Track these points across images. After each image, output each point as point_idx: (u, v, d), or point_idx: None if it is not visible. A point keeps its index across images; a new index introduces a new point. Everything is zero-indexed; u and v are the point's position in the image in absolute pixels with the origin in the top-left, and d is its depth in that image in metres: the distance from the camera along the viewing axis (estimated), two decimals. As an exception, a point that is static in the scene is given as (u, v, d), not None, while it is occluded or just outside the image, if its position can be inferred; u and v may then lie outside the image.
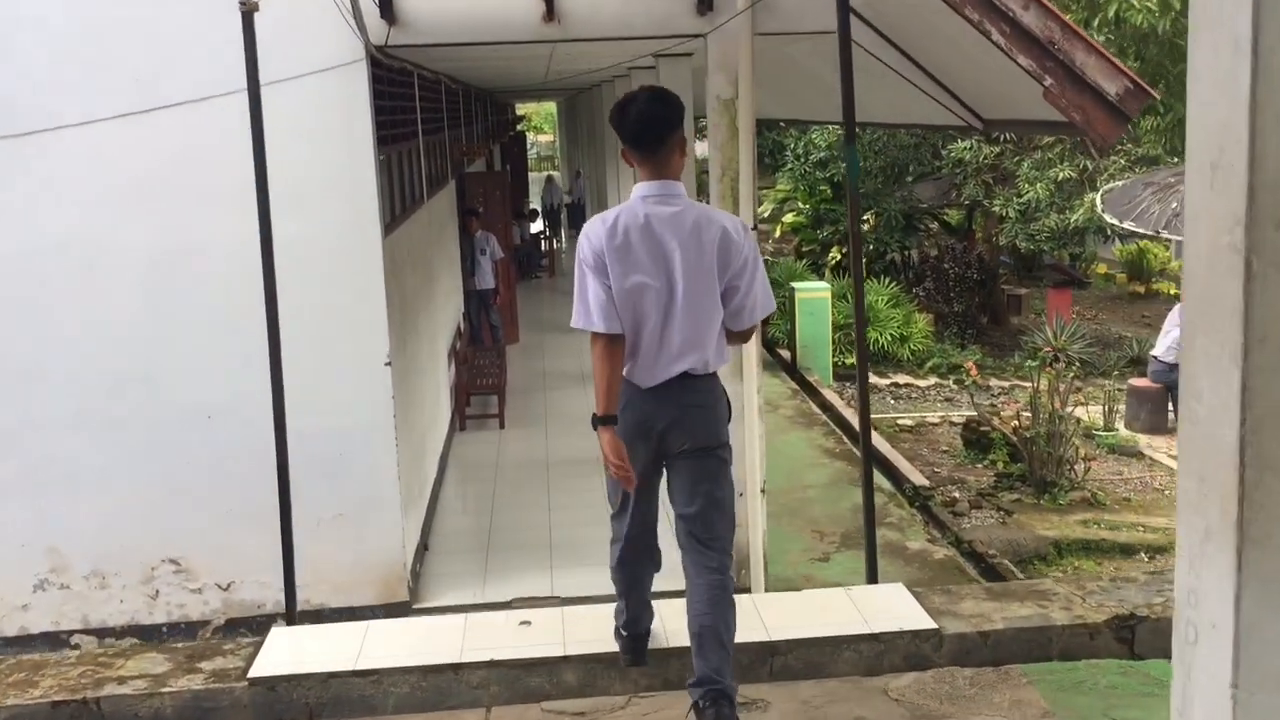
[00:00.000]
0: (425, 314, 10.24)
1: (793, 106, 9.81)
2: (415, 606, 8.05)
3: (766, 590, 8.15)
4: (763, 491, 8.14)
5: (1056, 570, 9.60)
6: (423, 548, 8.99)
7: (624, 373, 3.88)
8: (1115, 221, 12.69)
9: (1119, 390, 14.18)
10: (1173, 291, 24.54)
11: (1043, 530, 10.16)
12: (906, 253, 22.09)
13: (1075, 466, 11.29)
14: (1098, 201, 13.85)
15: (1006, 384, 16.77)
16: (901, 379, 17.00)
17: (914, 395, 16.26)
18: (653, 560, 4.37)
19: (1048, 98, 6.20)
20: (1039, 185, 16.24)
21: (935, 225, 24.44)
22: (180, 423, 7.68)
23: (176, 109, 7.25)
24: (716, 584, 3.99)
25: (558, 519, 9.62)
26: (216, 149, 7.36)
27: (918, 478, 11.36)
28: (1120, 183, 14.21)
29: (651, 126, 3.71)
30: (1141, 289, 24.67)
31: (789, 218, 27.23)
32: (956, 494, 11.28)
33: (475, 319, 15.64)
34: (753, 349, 7.80)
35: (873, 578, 6.31)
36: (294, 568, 6.27)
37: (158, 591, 7.86)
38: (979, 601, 5.37)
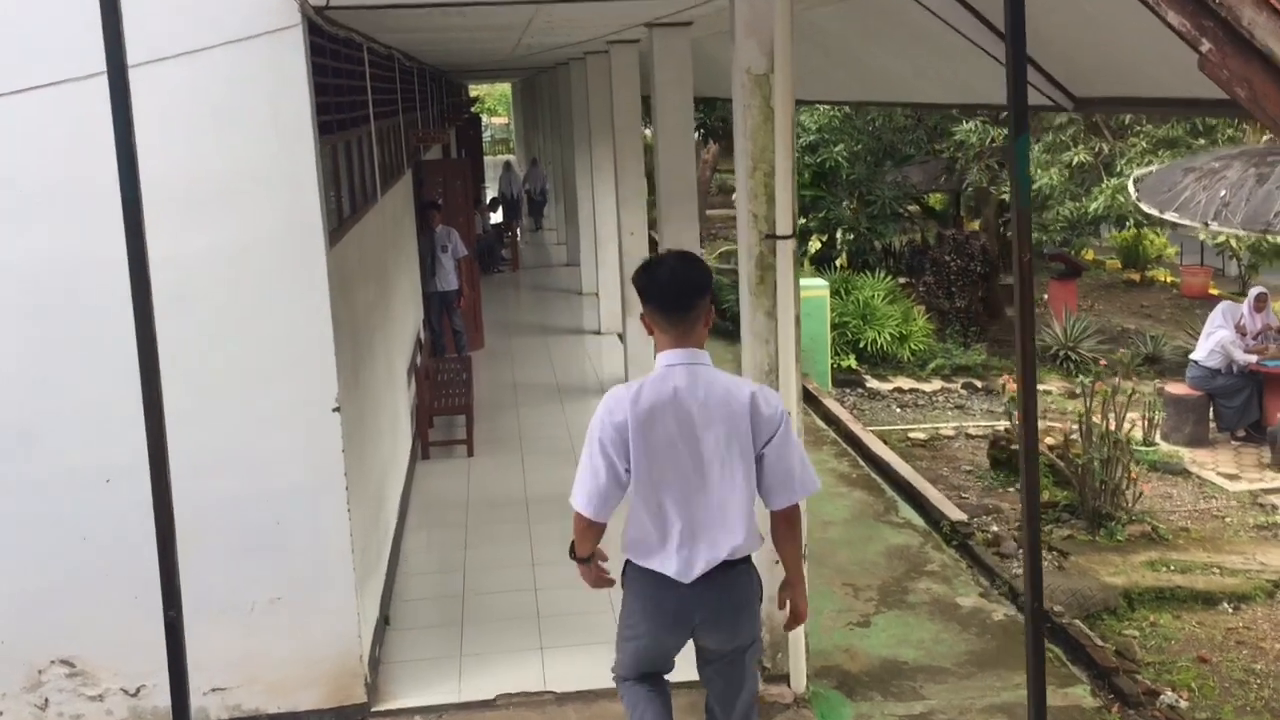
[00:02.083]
0: (382, 333, 8.62)
1: (817, 86, 8.34)
2: (375, 710, 6.48)
3: (808, 678, 6.66)
4: (804, 558, 6.62)
5: (1131, 627, 8.18)
6: (383, 622, 7.40)
7: (654, 564, 3.65)
8: (1155, 212, 11.32)
9: (1154, 395, 12.76)
10: (1169, 280, 23.33)
11: (1108, 576, 8.73)
12: (888, 241, 20.64)
13: (1127, 492, 9.86)
14: (1131, 189, 12.48)
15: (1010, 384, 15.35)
16: (904, 383, 15.57)
17: (920, 402, 14.82)
18: (665, 694, 4.14)
19: (1205, 68, 4.64)
20: (1052, 171, 14.85)
21: (917, 209, 23.04)
22: (71, 488, 6.04)
23: (54, 90, 5.59)
24: None
25: (544, 578, 8.06)
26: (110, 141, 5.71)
27: (953, 511, 9.90)
28: (1154, 168, 12.85)
29: (682, 294, 3.53)
30: (1136, 277, 23.44)
31: (764, 204, 25.74)
32: (995, 528, 9.83)
33: (437, 325, 14.01)
34: (792, 383, 6.28)
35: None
36: (185, 676, 4.66)
37: (47, 700, 6.24)
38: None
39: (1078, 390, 15.35)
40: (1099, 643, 7.61)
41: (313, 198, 5.99)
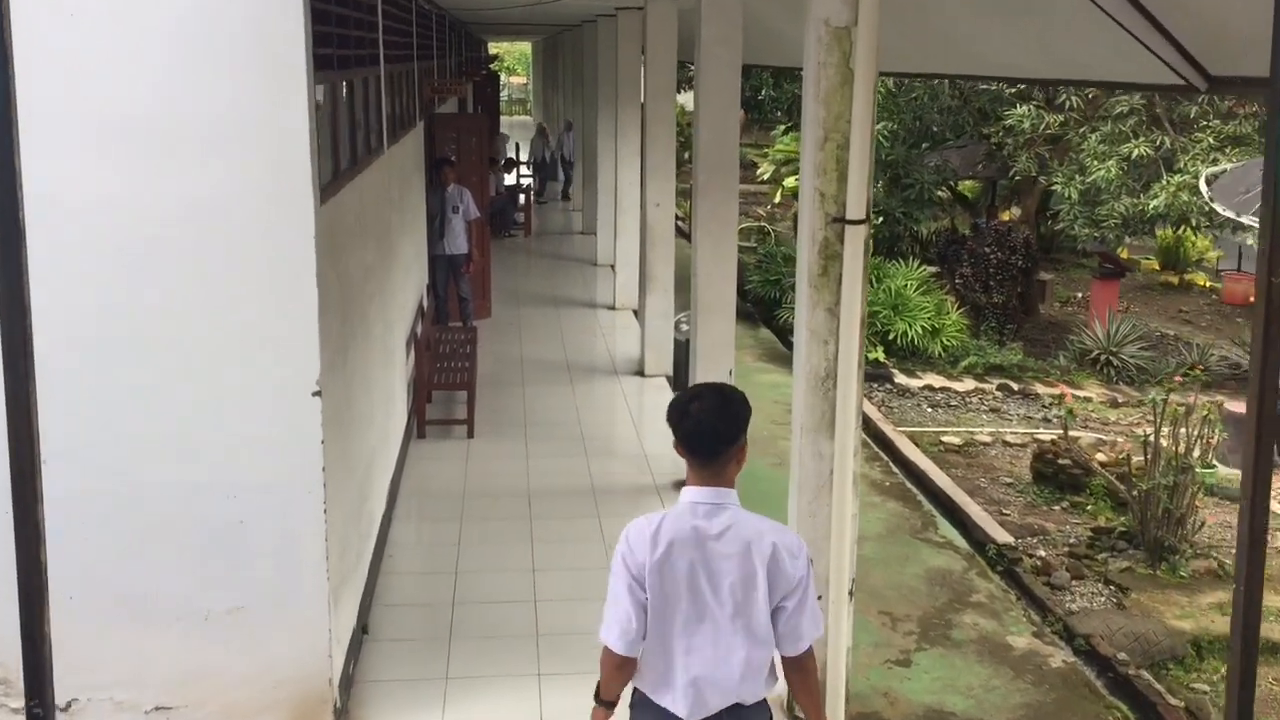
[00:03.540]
0: (379, 301, 7.69)
1: (896, 57, 7.38)
2: (344, 742, 5.60)
3: (845, 726, 5.77)
4: (851, 595, 5.72)
5: (1201, 680, 7.28)
6: (360, 632, 6.51)
7: (665, 701, 3.43)
8: (1231, 214, 10.36)
9: (1213, 412, 11.77)
10: (1207, 285, 22.34)
11: (1173, 619, 7.83)
12: (917, 229, 19.60)
13: (1189, 521, 8.94)
14: (1203, 189, 11.51)
15: (1056, 391, 14.43)
16: (935, 380, 14.62)
17: (953, 403, 13.89)
18: None
19: None
20: (1109, 163, 13.86)
21: (947, 196, 22.00)
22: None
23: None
24: None
25: (545, 587, 7.16)
26: (50, 70, 4.81)
27: (999, 533, 8.99)
28: (1228, 166, 11.87)
29: (715, 445, 3.34)
30: (1175, 280, 22.43)
31: (789, 181, 24.72)
32: (1043, 552, 8.93)
33: (442, 290, 13.08)
34: (852, 394, 5.35)
35: None
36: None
37: (-37, 714, 5.35)
38: None
39: (1120, 399, 14.47)
40: (1171, 701, 6.71)
41: (302, 144, 5.05)
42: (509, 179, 23.70)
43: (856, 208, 5.22)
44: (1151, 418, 13.86)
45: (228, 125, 4.96)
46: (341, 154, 6.28)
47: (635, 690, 3.55)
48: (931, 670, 6.84)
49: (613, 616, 3.40)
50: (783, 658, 3.47)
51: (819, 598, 5.76)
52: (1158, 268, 22.99)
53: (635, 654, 3.42)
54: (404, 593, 7.15)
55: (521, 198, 22.15)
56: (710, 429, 3.34)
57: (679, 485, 8.94)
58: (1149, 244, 23.23)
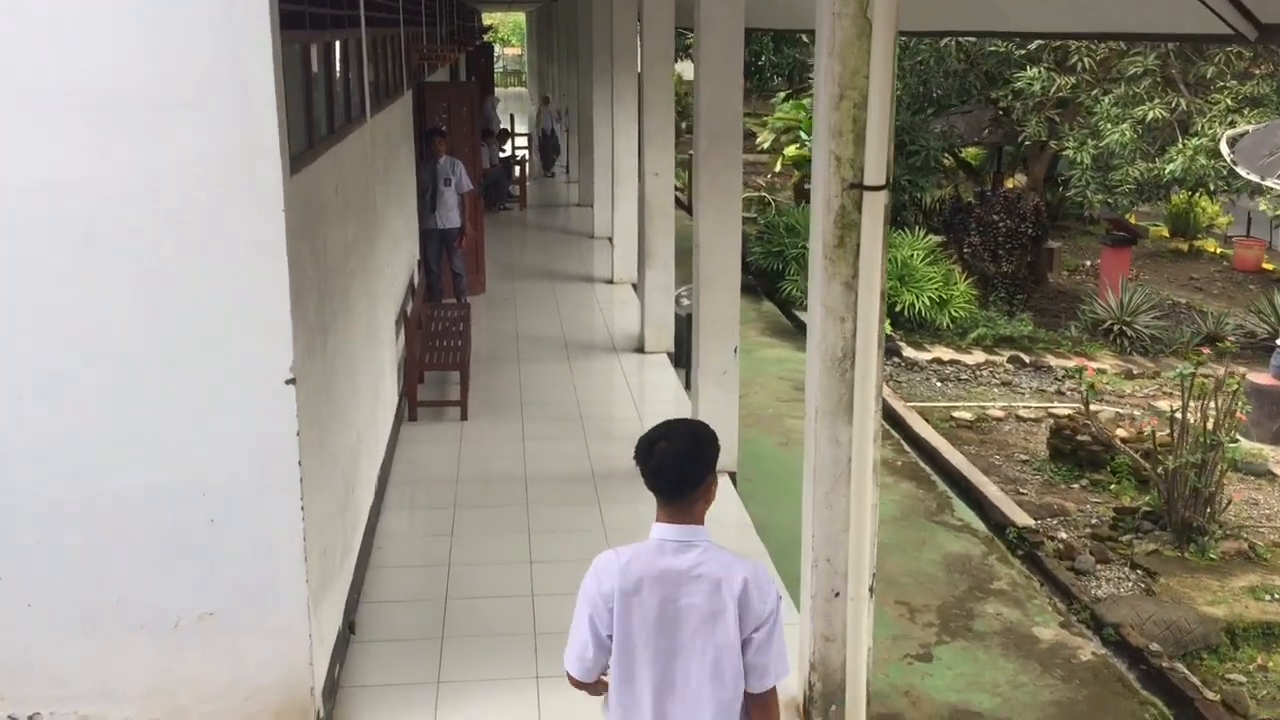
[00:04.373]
0: (362, 280, 7.25)
1: (916, 14, 6.85)
2: (327, 757, 5.21)
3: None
4: (871, 591, 5.31)
5: (1236, 670, 6.89)
6: (346, 631, 6.11)
7: None
8: (1255, 178, 9.91)
9: (1237, 384, 11.34)
10: (1217, 251, 21.89)
11: (1205, 605, 7.44)
12: (921, 197, 19.10)
13: (1217, 500, 8.53)
14: (1225, 151, 11.06)
15: (1068, 363, 14.01)
16: (943, 353, 14.20)
17: (963, 376, 13.47)
18: None
19: None
20: (1123, 126, 13.38)
21: (952, 163, 21.49)
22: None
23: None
24: None
25: (543, 581, 6.76)
26: None
27: (1018, 514, 8.59)
28: (1249, 128, 11.41)
29: (681, 486, 3.29)
30: (1185, 246, 21.97)
31: (790, 150, 24.27)
32: (1064, 534, 8.53)
33: (435, 265, 12.62)
34: (871, 375, 4.93)
35: None
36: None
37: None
38: None
39: (1135, 370, 14.06)
40: (1209, 695, 6.32)
41: (268, 109, 4.61)
42: (504, 150, 23.18)
43: (875, 172, 4.78)
44: (1168, 389, 13.58)
45: (184, 90, 4.52)
46: (317, 121, 5.83)
47: None
48: (954, 665, 6.45)
49: (573, 643, 3.43)
50: (745, 693, 3.38)
51: (836, 594, 5.37)
52: (1166, 234, 22.54)
53: (592, 679, 3.46)
54: (394, 588, 6.75)
55: (516, 170, 21.66)
56: (675, 470, 3.30)
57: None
58: (1156, 210, 22.77)
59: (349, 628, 6.19)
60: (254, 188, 4.64)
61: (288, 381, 4.81)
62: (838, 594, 5.29)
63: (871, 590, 5.28)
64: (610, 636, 3.36)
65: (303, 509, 4.96)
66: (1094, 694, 6.20)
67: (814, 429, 5.15)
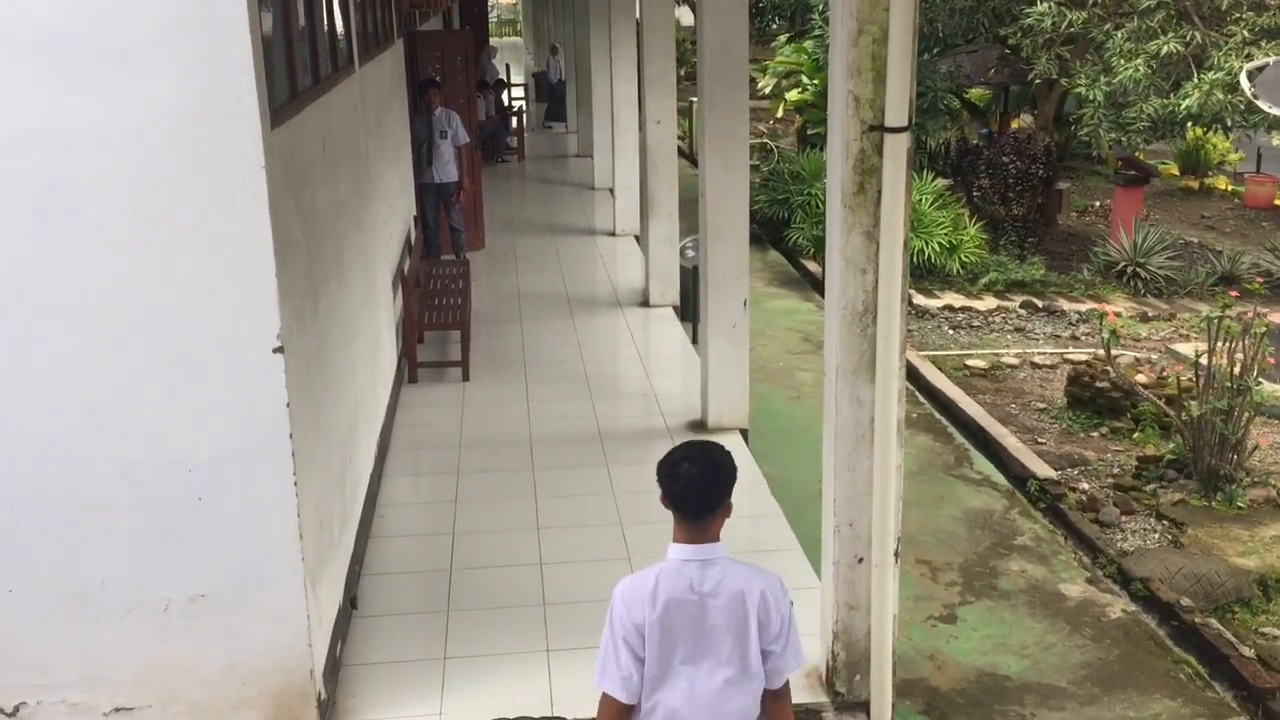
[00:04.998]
0: (356, 239, 6.95)
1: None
2: (330, 741, 4.98)
3: (894, 704, 5.14)
4: (896, 556, 5.05)
5: (1270, 623, 6.65)
6: (348, 607, 5.87)
7: None
8: (1278, 111, 9.50)
9: (1260, 322, 11.05)
10: (1229, 188, 21.49)
11: (1235, 556, 7.19)
12: (926, 139, 18.66)
13: (1245, 446, 8.25)
14: (1244, 84, 10.68)
15: (1082, 307, 13.71)
16: (954, 300, 13.89)
17: (975, 323, 13.17)
18: None
19: None
20: (1137, 61, 12.99)
21: (957, 104, 21.02)
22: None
23: None
24: None
25: (551, 547, 6.52)
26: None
27: (1039, 466, 8.32)
28: (1270, 60, 11.00)
29: (703, 507, 3.42)
30: (1195, 184, 21.55)
31: (792, 95, 23.76)
32: (1086, 485, 8.27)
33: (432, 221, 12.32)
34: (895, 332, 4.65)
35: None
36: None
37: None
38: None
39: (1150, 313, 13.74)
40: (1245, 652, 6.08)
41: (244, 55, 4.29)
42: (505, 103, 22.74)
43: (897, 113, 4.47)
44: (1184, 332, 13.28)
45: (150, 34, 4.19)
46: (299, 71, 5.50)
47: None
48: (980, 627, 6.21)
49: (612, 668, 3.48)
50: (764, 689, 3.57)
51: (860, 560, 5.12)
52: (1177, 172, 22.11)
53: (634, 702, 3.50)
54: (397, 559, 6.50)
55: (515, 121, 21.25)
56: (700, 493, 3.41)
57: (692, 426, 8.31)
58: (1164, 149, 22.33)
59: (351, 603, 5.96)
60: (231, 142, 4.33)
61: (275, 350, 4.53)
62: (861, 560, 5.04)
63: (896, 555, 5.03)
64: (642, 659, 3.47)
65: (296, 484, 4.69)
66: (1126, 654, 5.96)
67: (834, 388, 4.87)
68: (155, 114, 4.27)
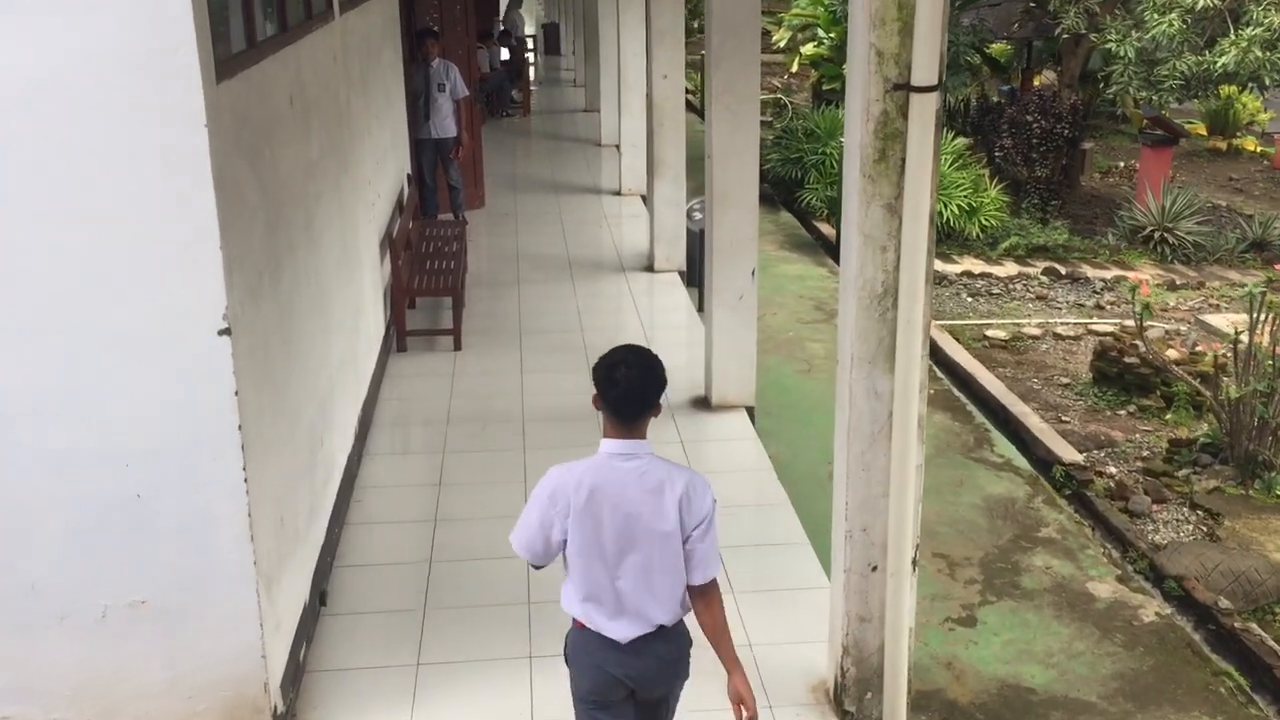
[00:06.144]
0: (332, 199, 6.42)
1: None
2: (286, 761, 4.53)
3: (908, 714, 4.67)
4: (914, 565, 4.56)
5: (1315, 628, 6.14)
6: (316, 603, 5.41)
7: (603, 631, 3.76)
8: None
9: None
10: (1258, 150, 20.78)
11: (1276, 551, 6.69)
12: (946, 96, 18.00)
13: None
14: (1289, 41, 10.08)
15: (1107, 274, 13.14)
16: (973, 265, 13.32)
17: (995, 290, 12.60)
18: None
19: None
20: (1171, 16, 12.34)
21: (978, 60, 20.32)
22: None
23: None
24: None
25: (539, 538, 6.02)
26: None
27: (1065, 450, 7.82)
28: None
29: (637, 410, 3.63)
30: (1223, 145, 20.85)
31: (807, 49, 23.05)
32: (1114, 469, 7.77)
33: (430, 178, 11.79)
34: (918, 317, 4.13)
35: None
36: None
37: None
38: None
39: (1178, 281, 13.16)
40: (1288, 660, 5.59)
41: (181, 1, 3.75)
42: (504, 54, 22.07)
43: (926, 70, 3.92)
44: (1215, 301, 12.70)
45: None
46: (258, 18, 4.96)
47: (573, 625, 3.80)
48: (1001, 631, 5.73)
49: (521, 532, 3.68)
50: (689, 587, 3.72)
51: (874, 569, 4.64)
52: (1204, 132, 21.39)
53: (538, 565, 3.74)
54: (373, 550, 6.03)
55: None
56: (638, 397, 3.58)
57: (696, 403, 7.82)
58: (1191, 108, 21.61)
59: (320, 599, 5.50)
60: (165, 96, 3.81)
61: (221, 332, 4.04)
62: (875, 568, 4.55)
63: (914, 564, 4.54)
64: (563, 542, 3.65)
65: (246, 479, 4.21)
66: (1160, 663, 5.48)
67: (849, 378, 4.36)
68: (85, 64, 3.75)
